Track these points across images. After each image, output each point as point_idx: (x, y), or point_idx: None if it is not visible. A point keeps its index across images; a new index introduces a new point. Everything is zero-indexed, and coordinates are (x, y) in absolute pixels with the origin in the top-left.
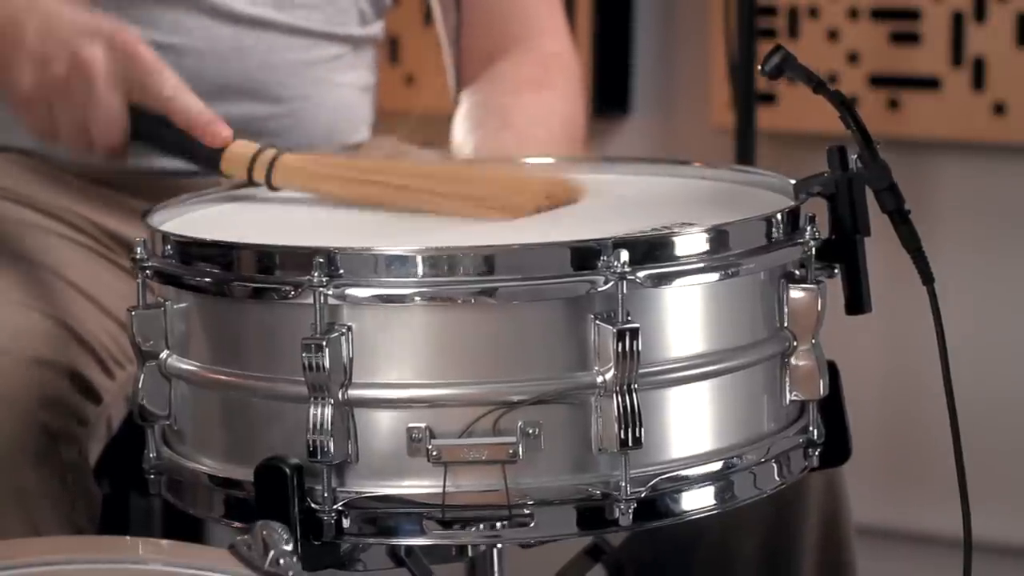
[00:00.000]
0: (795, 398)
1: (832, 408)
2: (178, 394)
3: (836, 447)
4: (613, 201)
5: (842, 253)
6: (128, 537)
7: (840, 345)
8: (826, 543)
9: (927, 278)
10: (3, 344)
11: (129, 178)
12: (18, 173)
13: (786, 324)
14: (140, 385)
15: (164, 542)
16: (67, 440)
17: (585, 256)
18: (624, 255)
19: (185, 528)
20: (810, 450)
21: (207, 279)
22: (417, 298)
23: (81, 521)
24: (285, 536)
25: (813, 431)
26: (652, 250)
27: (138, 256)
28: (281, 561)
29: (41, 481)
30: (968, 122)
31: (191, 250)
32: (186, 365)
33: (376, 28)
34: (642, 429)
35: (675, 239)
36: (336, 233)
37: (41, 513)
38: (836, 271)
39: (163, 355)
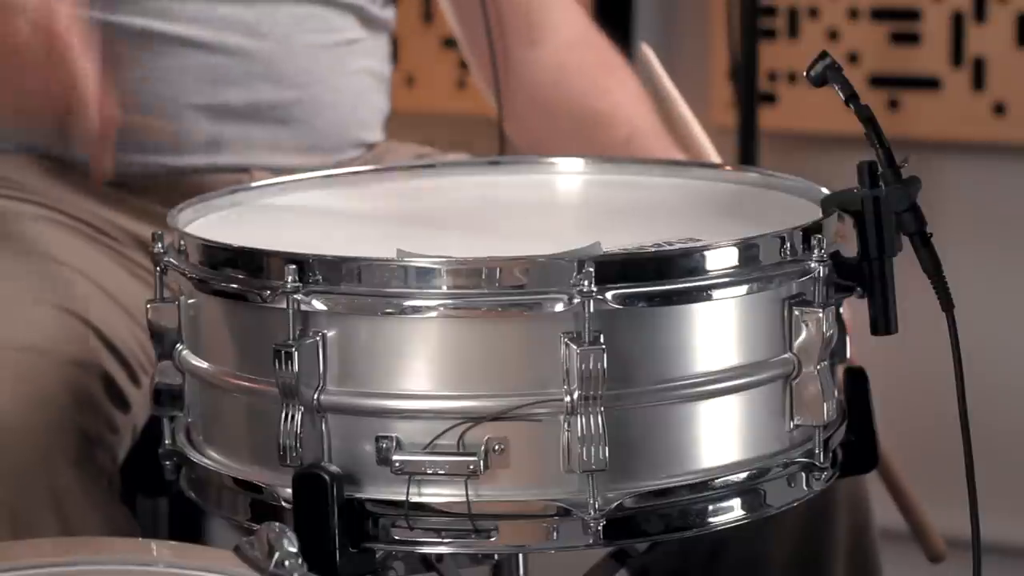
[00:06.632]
0: (799, 423)
1: (860, 415)
2: (191, 388)
3: (863, 454)
4: (623, 207)
5: (867, 273)
6: (131, 538)
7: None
8: (855, 548)
9: (947, 304)
10: (40, 344)
11: (150, 180)
12: (41, 175)
13: (792, 348)
14: (156, 374)
15: (168, 543)
16: (102, 445)
17: (554, 273)
18: (591, 273)
19: (189, 529)
20: (814, 475)
21: (217, 281)
22: (389, 308)
23: (116, 528)
24: (289, 536)
25: (819, 454)
26: (624, 269)
27: (156, 250)
28: (286, 563)
29: (78, 485)
30: (968, 122)
31: (195, 249)
32: (196, 361)
33: (389, 13)
34: (605, 449)
35: (648, 258)
36: (331, 240)
37: (78, 518)
38: (861, 292)
39: (178, 348)
